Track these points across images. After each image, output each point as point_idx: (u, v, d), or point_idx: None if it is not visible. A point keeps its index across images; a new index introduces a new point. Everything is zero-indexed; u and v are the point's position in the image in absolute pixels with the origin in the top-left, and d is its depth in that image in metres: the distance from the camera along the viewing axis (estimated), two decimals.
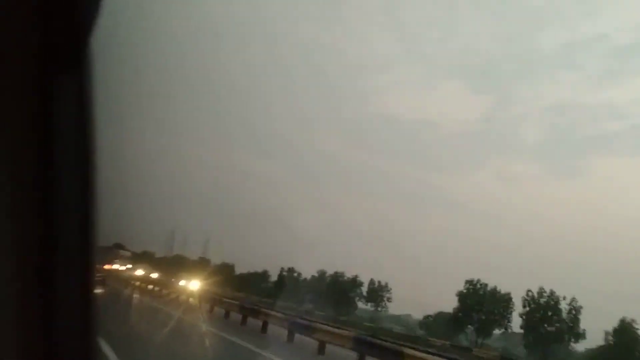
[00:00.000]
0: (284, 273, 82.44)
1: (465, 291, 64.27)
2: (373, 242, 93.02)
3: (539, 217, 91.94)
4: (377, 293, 73.49)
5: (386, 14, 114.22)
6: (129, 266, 48.83)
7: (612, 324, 55.56)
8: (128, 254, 53.31)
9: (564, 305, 59.59)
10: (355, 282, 74.91)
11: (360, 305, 76.05)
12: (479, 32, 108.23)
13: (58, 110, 1.11)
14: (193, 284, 41.36)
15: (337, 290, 72.80)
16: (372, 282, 74.53)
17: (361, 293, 75.12)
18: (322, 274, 77.85)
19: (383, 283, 74.08)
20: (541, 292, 59.17)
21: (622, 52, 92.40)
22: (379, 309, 74.44)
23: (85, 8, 1.11)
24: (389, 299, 74.34)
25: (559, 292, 58.42)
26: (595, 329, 56.25)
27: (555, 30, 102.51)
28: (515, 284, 68.68)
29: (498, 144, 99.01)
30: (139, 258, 72.08)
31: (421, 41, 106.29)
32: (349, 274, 74.82)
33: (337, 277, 75.71)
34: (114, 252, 48.86)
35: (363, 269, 73.61)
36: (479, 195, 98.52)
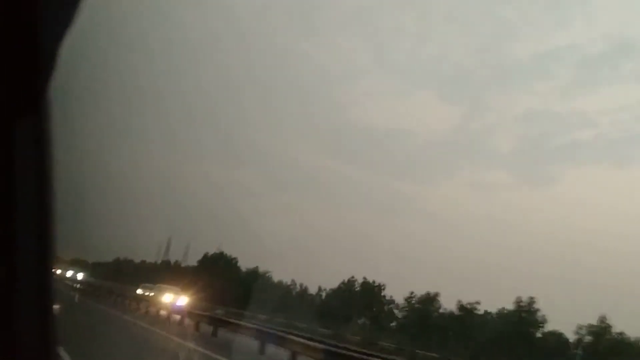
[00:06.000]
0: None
1: None
2: (344, 251, 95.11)
3: (511, 225, 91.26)
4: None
5: (359, 23, 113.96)
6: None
7: None
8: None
9: None
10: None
11: None
12: (451, 42, 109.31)
13: (16, 152, 1.17)
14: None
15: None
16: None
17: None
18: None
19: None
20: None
21: (592, 62, 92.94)
22: None
23: (45, 53, 1.16)
24: None
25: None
26: None
27: (526, 40, 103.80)
28: (487, 296, 65.28)
29: (470, 153, 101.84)
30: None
31: (394, 51, 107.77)
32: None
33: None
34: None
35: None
36: (450, 204, 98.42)
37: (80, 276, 61.63)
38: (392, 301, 64.18)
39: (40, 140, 1.22)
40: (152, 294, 41.62)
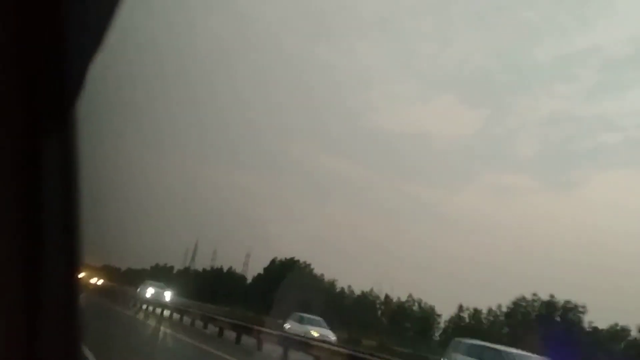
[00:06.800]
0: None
1: None
2: (363, 257, 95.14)
3: (534, 230, 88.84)
4: None
5: (378, 28, 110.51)
6: None
7: None
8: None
9: None
10: None
11: None
12: (474, 45, 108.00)
13: (44, 167, 1.21)
14: None
15: None
16: None
17: None
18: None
19: None
20: None
21: (617, 64, 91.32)
22: None
23: (73, 70, 1.22)
24: None
25: None
26: None
27: (550, 43, 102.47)
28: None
29: (492, 157, 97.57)
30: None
31: (414, 55, 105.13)
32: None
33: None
34: None
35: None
36: (472, 209, 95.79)
37: (167, 296, 36.54)
38: (593, 329, 44.15)
39: (67, 156, 1.26)
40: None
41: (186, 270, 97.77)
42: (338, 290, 74.46)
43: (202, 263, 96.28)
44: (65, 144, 1.25)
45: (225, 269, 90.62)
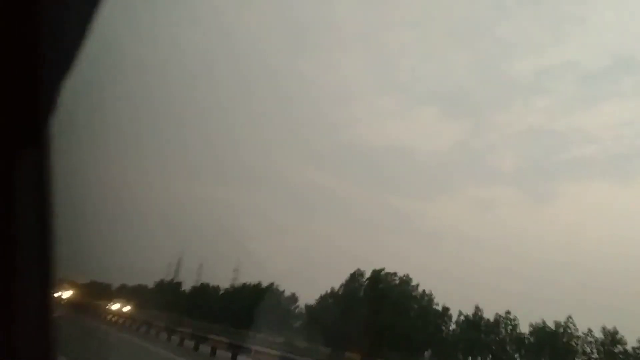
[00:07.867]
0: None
1: None
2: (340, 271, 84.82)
3: (513, 241, 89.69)
4: None
5: (359, 43, 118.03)
6: None
7: None
8: None
9: None
10: None
11: None
12: (453, 60, 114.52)
13: (18, 184, 1.22)
14: None
15: None
16: None
17: None
18: None
19: None
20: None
21: (591, 78, 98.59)
22: None
23: (47, 87, 1.23)
24: None
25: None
26: None
27: (526, 58, 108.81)
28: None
29: (472, 170, 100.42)
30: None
31: (396, 69, 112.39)
32: None
33: None
34: None
35: None
36: (452, 221, 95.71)
37: None
38: None
39: (42, 172, 1.27)
40: None
41: (203, 287, 71.34)
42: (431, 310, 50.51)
43: (185, 278, 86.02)
44: (40, 160, 1.24)
45: (259, 286, 64.37)
